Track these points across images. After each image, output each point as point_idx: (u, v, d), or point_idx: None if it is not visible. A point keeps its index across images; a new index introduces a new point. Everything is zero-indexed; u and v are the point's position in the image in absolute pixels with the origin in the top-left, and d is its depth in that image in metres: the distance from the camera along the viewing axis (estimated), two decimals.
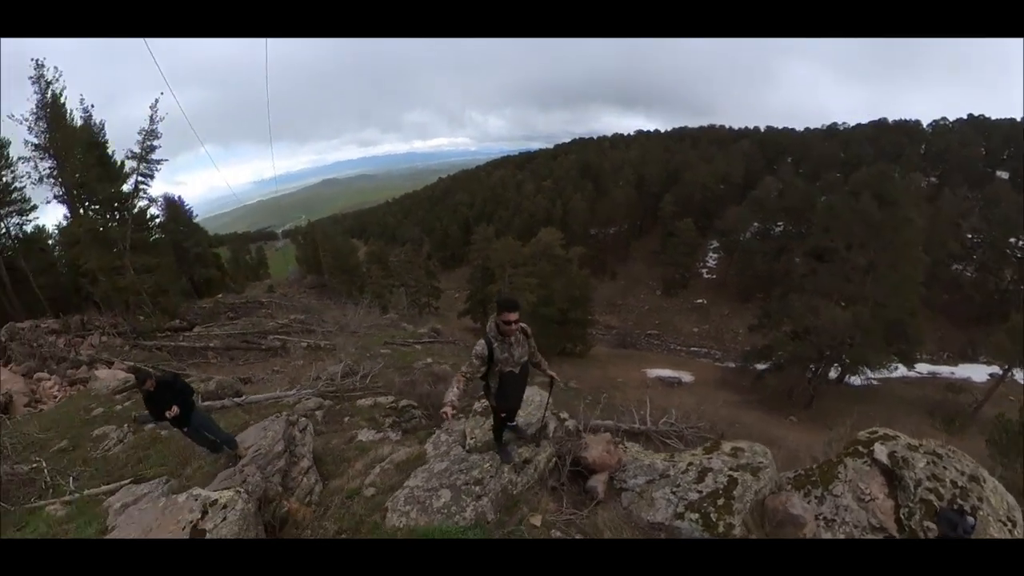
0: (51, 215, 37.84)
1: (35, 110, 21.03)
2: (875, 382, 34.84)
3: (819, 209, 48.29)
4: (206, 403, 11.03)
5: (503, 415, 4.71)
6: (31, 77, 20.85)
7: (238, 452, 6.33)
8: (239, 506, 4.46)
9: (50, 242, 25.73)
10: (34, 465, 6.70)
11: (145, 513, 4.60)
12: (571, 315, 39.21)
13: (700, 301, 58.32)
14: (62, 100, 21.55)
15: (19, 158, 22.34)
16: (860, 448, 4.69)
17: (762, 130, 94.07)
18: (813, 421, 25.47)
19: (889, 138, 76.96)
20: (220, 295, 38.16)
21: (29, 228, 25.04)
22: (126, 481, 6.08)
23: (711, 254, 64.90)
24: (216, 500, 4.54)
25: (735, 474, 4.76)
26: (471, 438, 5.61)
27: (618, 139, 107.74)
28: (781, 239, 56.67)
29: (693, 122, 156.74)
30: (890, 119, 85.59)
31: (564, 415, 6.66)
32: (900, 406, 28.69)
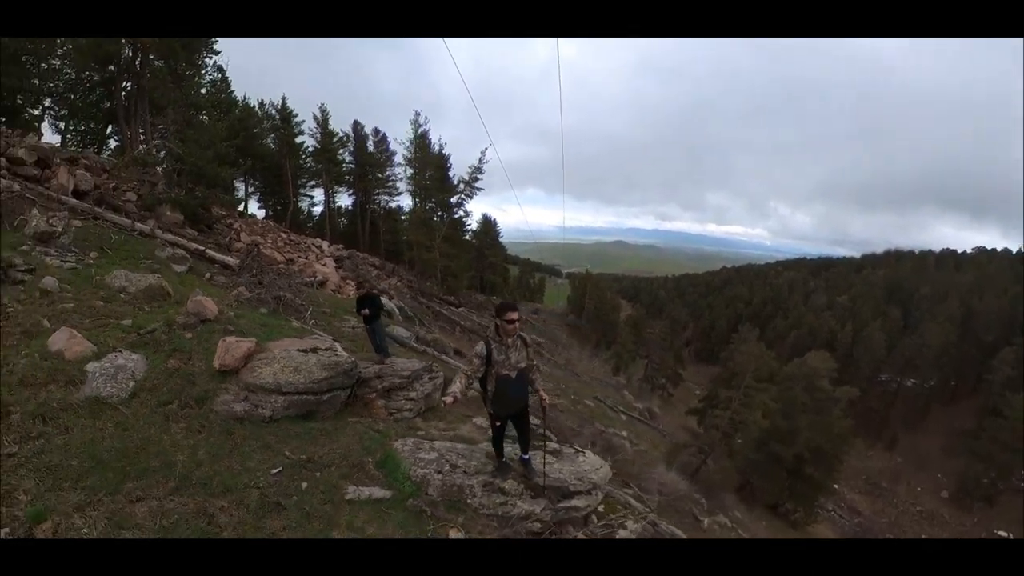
0: (405, 201, 56.98)
1: (411, 138, 35.04)
2: None
3: None
4: (416, 343, 14.36)
5: (498, 423, 4.66)
6: (411, 120, 35.00)
7: (386, 361, 8.46)
8: (341, 357, 6.42)
9: (402, 216, 40.35)
10: (302, 305, 11.04)
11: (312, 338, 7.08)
12: (807, 469, 30.05)
13: (1004, 534, 36.67)
14: (428, 136, 35.36)
15: (397, 164, 38.81)
16: None
17: None
18: None
19: None
20: (495, 297, 45.96)
21: (392, 205, 42.11)
22: (330, 337, 9.07)
23: None
24: (336, 349, 6.60)
25: None
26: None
27: (948, 256, 78.79)
28: None
29: None
30: None
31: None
32: None
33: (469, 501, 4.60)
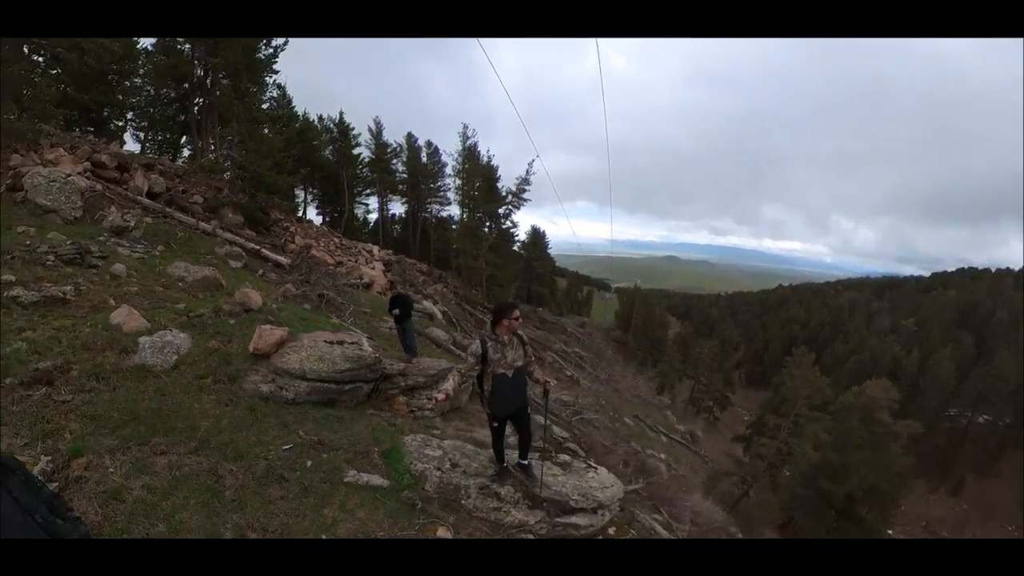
0: (456, 210, 59.00)
1: (459, 150, 36.34)
2: None
3: None
4: (452, 345, 14.73)
5: (495, 424, 4.60)
6: (459, 132, 36.46)
7: (413, 360, 8.74)
8: (366, 351, 6.74)
9: (453, 225, 41.33)
10: (343, 304, 11.72)
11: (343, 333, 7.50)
12: (859, 510, 27.28)
13: None
14: (477, 148, 36.53)
15: (448, 174, 40.15)
16: None
17: None
18: None
19: None
20: (541, 308, 46.10)
21: (443, 214, 43.32)
22: (363, 334, 9.52)
23: None
24: (363, 343, 6.96)
25: None
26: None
27: None
28: None
29: None
30: None
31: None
32: None
33: (464, 502, 4.59)
